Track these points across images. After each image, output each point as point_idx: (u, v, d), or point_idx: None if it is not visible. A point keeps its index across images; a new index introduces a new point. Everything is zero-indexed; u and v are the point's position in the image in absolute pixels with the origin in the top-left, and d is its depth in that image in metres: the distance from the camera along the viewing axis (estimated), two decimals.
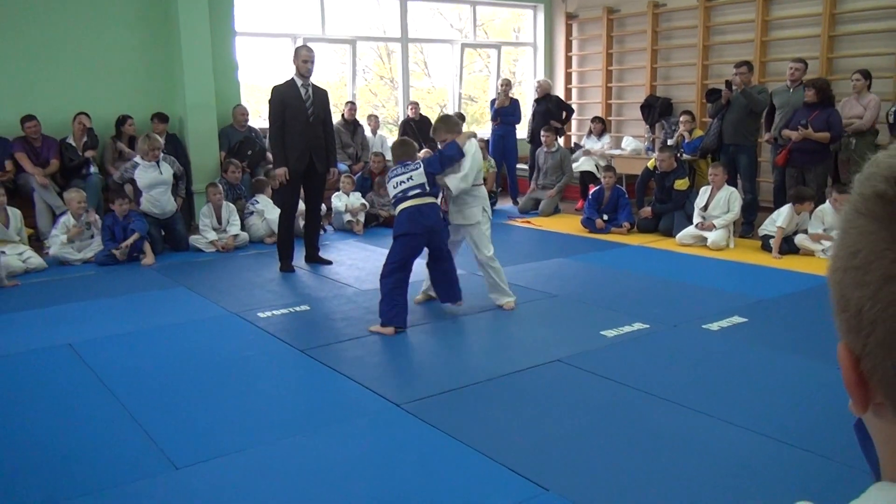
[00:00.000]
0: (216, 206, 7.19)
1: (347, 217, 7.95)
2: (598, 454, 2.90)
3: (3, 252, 5.99)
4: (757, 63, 8.51)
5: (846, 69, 7.78)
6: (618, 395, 3.48)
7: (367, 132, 9.74)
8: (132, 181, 6.97)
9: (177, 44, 8.02)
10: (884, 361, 0.52)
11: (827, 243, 6.45)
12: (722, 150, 7.67)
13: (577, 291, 5.42)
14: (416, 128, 10.05)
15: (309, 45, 6.50)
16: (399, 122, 10.53)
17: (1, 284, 5.69)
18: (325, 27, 9.60)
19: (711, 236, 6.85)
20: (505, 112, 9.56)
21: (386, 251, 6.88)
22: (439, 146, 4.88)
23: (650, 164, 7.82)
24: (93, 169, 7.53)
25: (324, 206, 7.69)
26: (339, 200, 8.02)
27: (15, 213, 6.37)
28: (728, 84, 7.46)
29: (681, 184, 7.50)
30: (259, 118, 9.34)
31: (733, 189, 7.08)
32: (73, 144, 7.49)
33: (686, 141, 8.45)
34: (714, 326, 4.48)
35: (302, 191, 6.31)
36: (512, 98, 9.73)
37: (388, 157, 9.22)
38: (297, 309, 5.06)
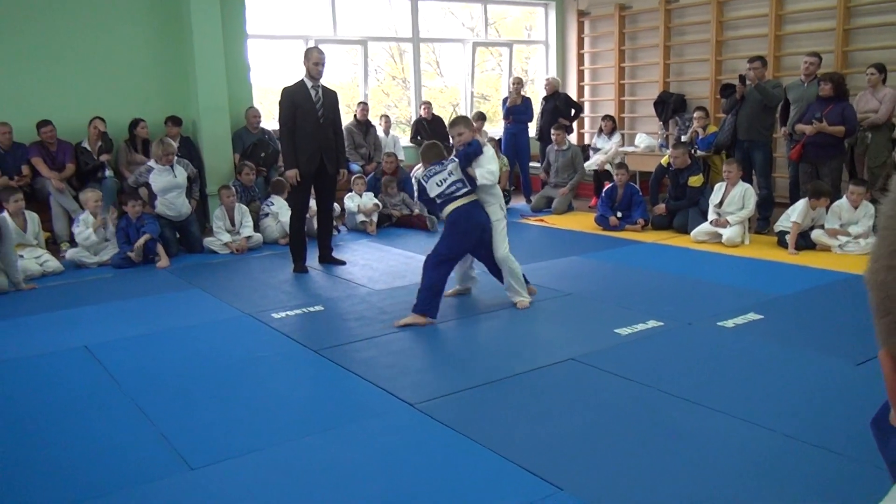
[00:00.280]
0: (229, 209, 7.23)
1: (360, 217, 7.97)
2: (612, 453, 2.88)
3: (21, 256, 6.05)
4: (771, 58, 8.45)
5: (861, 63, 7.70)
6: (632, 394, 3.46)
7: (380, 132, 9.75)
8: (147, 185, 7.03)
9: (189, 47, 8.07)
10: None
11: (844, 238, 6.39)
12: (736, 146, 7.61)
13: (591, 289, 5.40)
14: (428, 127, 10.06)
15: (320, 46, 6.51)
16: (412, 122, 10.54)
17: (18, 288, 5.75)
18: (337, 28, 9.63)
19: (726, 233, 6.81)
20: (517, 110, 9.54)
21: (399, 251, 6.99)
22: (451, 141, 4.98)
23: (664, 160, 7.78)
24: (108, 172, 7.60)
25: (337, 207, 7.73)
26: (351, 201, 8.04)
27: (32, 218, 6.43)
28: (741, 78, 7.40)
29: (695, 180, 7.46)
30: (272, 120, 9.37)
31: (748, 185, 7.02)
32: (89, 148, 7.56)
33: (700, 137, 8.39)
34: (729, 323, 4.45)
35: (314, 192, 6.33)
36: (524, 96, 9.71)
37: (401, 157, 9.29)
38: (311, 309, 5.07)
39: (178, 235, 7.15)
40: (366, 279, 5.91)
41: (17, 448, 3.08)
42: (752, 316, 4.58)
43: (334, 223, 7.18)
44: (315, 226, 6.67)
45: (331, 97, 6.13)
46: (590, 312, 4.85)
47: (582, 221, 8.27)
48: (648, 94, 10.16)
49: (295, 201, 6.29)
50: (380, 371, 3.85)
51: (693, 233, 7.09)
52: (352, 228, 8.07)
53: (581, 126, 11.40)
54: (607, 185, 8.17)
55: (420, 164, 8.80)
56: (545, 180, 9.34)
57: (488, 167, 4.83)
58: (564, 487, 2.62)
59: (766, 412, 3.18)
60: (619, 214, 7.76)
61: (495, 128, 10.78)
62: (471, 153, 4.85)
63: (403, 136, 10.46)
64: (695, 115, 8.59)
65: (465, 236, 4.83)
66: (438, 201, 4.89)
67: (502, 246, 4.92)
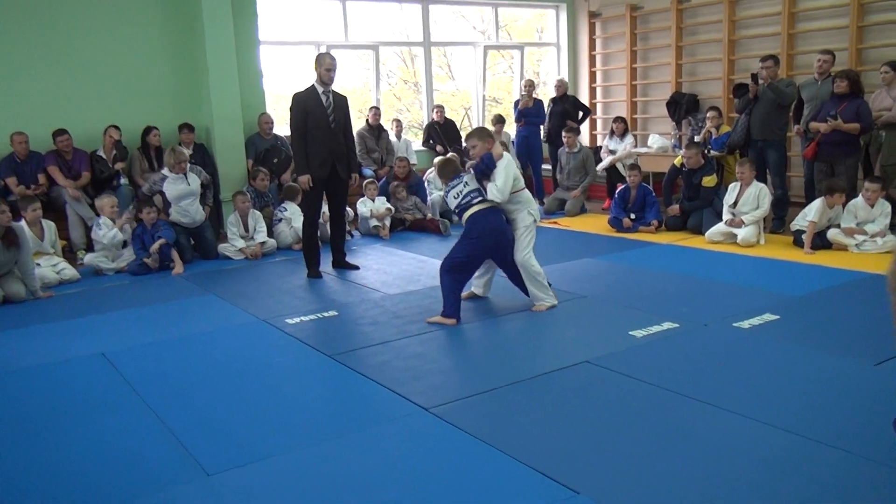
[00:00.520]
0: (243, 214, 7.27)
1: (373, 222, 7.98)
2: (628, 456, 2.87)
3: (38, 264, 6.11)
4: (784, 56, 8.40)
5: (875, 60, 7.64)
6: (648, 396, 3.45)
7: (392, 136, 9.77)
8: (161, 193, 7.08)
9: (202, 55, 8.13)
10: None
11: (860, 237, 6.34)
12: (750, 146, 7.56)
13: (606, 291, 5.38)
14: (440, 131, 10.07)
15: (332, 52, 6.53)
16: (424, 126, 10.55)
17: (36, 296, 5.81)
18: (348, 33, 9.66)
19: (741, 233, 6.77)
20: (529, 113, 9.53)
21: (412, 255, 7.00)
22: (465, 145, 5.12)
23: (677, 161, 7.75)
24: (123, 180, 7.68)
25: (350, 212, 7.75)
26: (364, 206, 8.06)
27: (49, 226, 6.49)
28: (753, 76, 7.36)
29: (709, 181, 7.42)
30: (285, 126, 9.41)
31: (762, 185, 6.98)
32: (104, 157, 7.63)
33: (713, 137, 8.36)
34: (745, 324, 4.42)
35: (326, 197, 6.35)
36: (536, 99, 9.70)
37: (413, 161, 9.31)
38: (325, 315, 5.09)
39: (192, 242, 7.20)
40: (379, 283, 5.92)
41: (35, 455, 3.10)
42: (768, 316, 4.55)
43: (347, 228, 7.20)
44: (328, 231, 6.69)
45: (341, 102, 6.15)
46: (604, 315, 4.83)
47: (595, 223, 8.25)
48: (661, 95, 10.13)
49: (308, 207, 6.31)
50: (394, 375, 3.85)
51: (708, 233, 7.05)
52: (365, 233, 8.09)
53: (593, 127, 11.37)
54: (620, 187, 8.14)
55: (432, 168, 8.87)
56: (560, 182, 9.33)
57: (496, 182, 4.82)
58: (581, 491, 2.61)
59: (783, 414, 3.15)
60: (633, 216, 7.73)
61: (508, 131, 10.76)
62: (483, 170, 4.90)
63: (416, 140, 10.47)
64: (708, 115, 8.56)
65: (480, 241, 4.85)
66: (457, 211, 4.99)
67: (523, 250, 4.94)
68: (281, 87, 10.35)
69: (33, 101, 7.57)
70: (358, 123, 9.44)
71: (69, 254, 7.05)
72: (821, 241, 6.46)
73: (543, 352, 4.21)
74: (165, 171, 7.04)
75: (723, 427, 3.08)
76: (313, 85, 6.02)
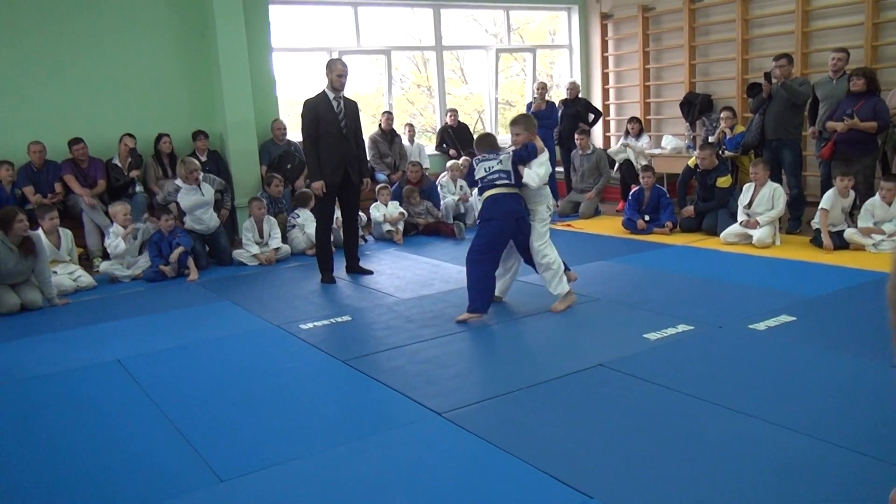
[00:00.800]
0: (258, 220, 7.30)
1: (386, 227, 7.99)
2: (643, 460, 2.85)
3: (55, 272, 6.17)
4: (798, 55, 8.33)
5: (891, 58, 7.56)
6: (663, 399, 3.42)
7: (405, 141, 9.78)
8: (176, 202, 7.13)
9: (215, 62, 8.18)
10: None
11: (878, 237, 6.27)
12: (765, 146, 7.51)
13: (620, 294, 5.35)
14: (454, 135, 10.07)
15: (344, 57, 6.55)
16: (437, 130, 10.56)
17: (52, 303, 5.86)
18: (360, 39, 9.68)
19: (757, 234, 6.71)
20: (542, 115, 9.49)
21: (425, 259, 7.01)
22: (474, 147, 5.26)
23: (691, 162, 7.70)
24: (138, 188, 7.74)
25: (363, 217, 7.77)
26: (377, 210, 8.08)
27: (66, 234, 6.55)
28: (767, 75, 7.30)
29: (723, 181, 7.37)
30: (298, 132, 9.44)
31: (777, 185, 6.92)
32: (119, 165, 7.69)
33: (727, 137, 8.30)
34: (761, 326, 4.38)
35: (338, 202, 6.37)
36: (548, 101, 9.69)
37: (426, 165, 9.31)
38: (339, 320, 5.10)
39: (207, 248, 7.24)
40: (393, 288, 5.92)
41: (50, 462, 3.12)
42: (784, 318, 4.50)
43: (361, 233, 7.21)
44: (342, 236, 6.71)
45: (352, 107, 6.16)
46: (618, 317, 4.81)
47: (609, 225, 8.21)
48: (674, 96, 10.08)
49: (320, 212, 6.34)
50: (407, 380, 3.85)
51: (723, 234, 7.00)
52: (378, 238, 8.11)
53: (606, 129, 11.33)
54: (634, 189, 8.11)
55: (446, 172, 8.87)
56: (574, 184, 9.30)
57: (537, 170, 4.89)
58: (594, 495, 2.59)
59: (800, 416, 3.12)
60: (647, 217, 7.69)
61: None
62: (525, 156, 4.93)
63: (429, 145, 10.48)
64: (722, 115, 8.50)
65: (499, 223, 4.87)
66: (480, 185, 5.01)
67: (539, 239, 4.99)
68: (294, 93, 10.39)
69: (49, 111, 7.65)
70: (371, 128, 9.47)
71: (85, 261, 7.12)
72: (839, 241, 6.39)
73: (557, 355, 4.19)
74: (179, 181, 7.08)
75: (738, 430, 3.05)
76: (324, 91, 6.04)
